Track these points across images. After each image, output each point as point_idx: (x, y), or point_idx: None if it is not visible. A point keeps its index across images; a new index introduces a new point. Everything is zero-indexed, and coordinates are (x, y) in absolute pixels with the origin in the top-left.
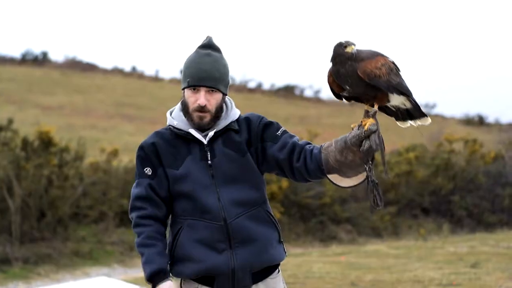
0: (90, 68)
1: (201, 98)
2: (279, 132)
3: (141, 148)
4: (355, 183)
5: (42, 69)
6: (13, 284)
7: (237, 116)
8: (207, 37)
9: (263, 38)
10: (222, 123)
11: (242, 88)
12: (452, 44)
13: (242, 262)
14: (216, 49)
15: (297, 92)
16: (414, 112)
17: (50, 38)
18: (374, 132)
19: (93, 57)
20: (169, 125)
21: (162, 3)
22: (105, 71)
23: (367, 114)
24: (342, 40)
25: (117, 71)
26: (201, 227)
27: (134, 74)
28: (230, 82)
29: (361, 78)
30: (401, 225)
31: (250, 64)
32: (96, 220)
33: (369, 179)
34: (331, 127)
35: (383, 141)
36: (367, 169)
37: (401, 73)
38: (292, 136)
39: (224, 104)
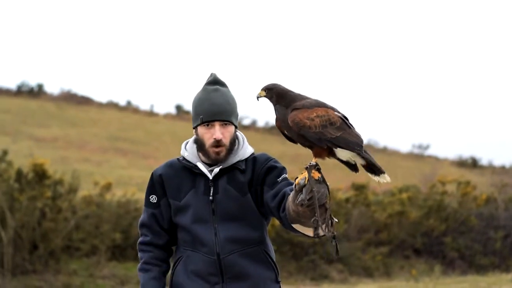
0: (85, 101)
1: (216, 132)
2: (280, 178)
3: (151, 176)
4: (321, 233)
5: (37, 101)
6: None
7: (246, 155)
8: (212, 74)
9: (258, 76)
10: (230, 160)
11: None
12: (446, 86)
13: None
14: (222, 84)
15: None
16: (372, 168)
17: (45, 70)
18: (304, 186)
19: (89, 90)
20: (182, 156)
21: (158, 39)
22: (100, 105)
23: (305, 167)
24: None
25: (112, 105)
26: (197, 259)
27: (129, 108)
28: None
29: (291, 127)
30: (392, 265)
31: (245, 101)
32: (88, 254)
33: (315, 232)
34: (325, 166)
35: (326, 196)
36: (312, 221)
37: (354, 129)
38: (289, 184)
39: (236, 139)
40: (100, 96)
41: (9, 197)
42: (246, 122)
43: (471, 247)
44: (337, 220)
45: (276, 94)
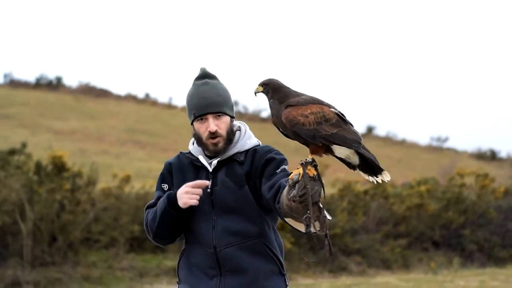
0: (103, 94)
1: (210, 124)
2: (278, 169)
3: (164, 166)
4: (314, 230)
5: (56, 94)
6: None
7: (246, 147)
8: (201, 68)
9: (280, 68)
10: (229, 152)
11: (255, 118)
12: (465, 78)
13: None
14: (211, 76)
15: None
16: (369, 167)
17: (64, 63)
18: (297, 182)
19: (107, 83)
20: (188, 150)
21: (177, 32)
22: (118, 97)
23: (300, 163)
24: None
25: (130, 98)
26: (196, 252)
27: (147, 101)
28: (244, 111)
29: (285, 124)
30: (411, 258)
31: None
32: (106, 246)
33: (307, 230)
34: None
35: (319, 194)
36: (304, 218)
37: (352, 126)
38: (287, 176)
39: (238, 131)
40: (118, 88)
41: (28, 189)
42: (264, 114)
43: (490, 240)
44: (330, 218)
45: (272, 90)
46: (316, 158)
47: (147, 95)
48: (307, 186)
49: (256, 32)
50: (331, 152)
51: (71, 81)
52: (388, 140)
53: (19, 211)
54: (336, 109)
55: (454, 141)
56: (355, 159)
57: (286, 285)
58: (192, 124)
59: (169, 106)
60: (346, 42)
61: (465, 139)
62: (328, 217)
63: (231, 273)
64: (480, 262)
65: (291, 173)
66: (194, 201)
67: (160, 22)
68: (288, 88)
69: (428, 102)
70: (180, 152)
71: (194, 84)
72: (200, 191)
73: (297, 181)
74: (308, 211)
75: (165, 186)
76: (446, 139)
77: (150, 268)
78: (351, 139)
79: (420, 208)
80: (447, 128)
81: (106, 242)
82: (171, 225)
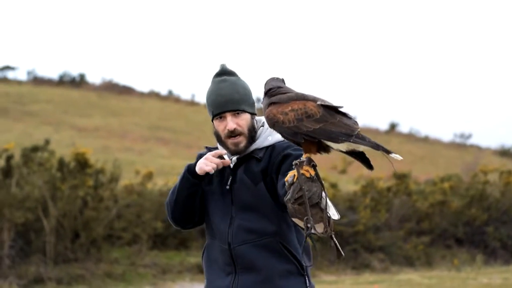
0: (126, 91)
1: (229, 123)
2: (296, 160)
3: (196, 157)
4: (319, 231)
5: (79, 91)
6: None
7: (265, 144)
8: (220, 64)
9: (300, 65)
10: (248, 149)
11: None
12: (488, 75)
13: None
14: (230, 73)
15: None
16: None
17: (87, 60)
18: (292, 184)
19: (130, 79)
20: (216, 146)
21: (200, 29)
22: (141, 94)
23: (293, 164)
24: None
25: (154, 95)
26: (214, 247)
27: (170, 98)
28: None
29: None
30: (434, 255)
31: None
32: (129, 242)
33: (306, 232)
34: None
35: (319, 196)
36: (304, 220)
37: (348, 118)
38: None
39: (262, 127)
40: (141, 85)
41: (51, 186)
42: None
43: None
44: (337, 218)
45: (266, 87)
46: (321, 157)
47: (170, 92)
48: (303, 188)
49: (279, 28)
50: (325, 149)
51: (94, 78)
52: (411, 137)
53: (42, 208)
54: (327, 103)
55: (478, 138)
56: (361, 148)
57: (307, 286)
58: (212, 122)
59: (192, 103)
60: (370, 39)
61: (489, 136)
62: (335, 216)
63: (244, 271)
64: (504, 259)
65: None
66: (209, 168)
67: (183, 19)
68: (281, 86)
69: (451, 99)
70: (206, 147)
71: (212, 81)
72: (218, 160)
73: (293, 183)
74: (308, 213)
75: None
76: (469, 136)
77: (173, 265)
78: (337, 133)
79: (443, 205)
80: (470, 124)
81: (128, 239)
82: (189, 198)
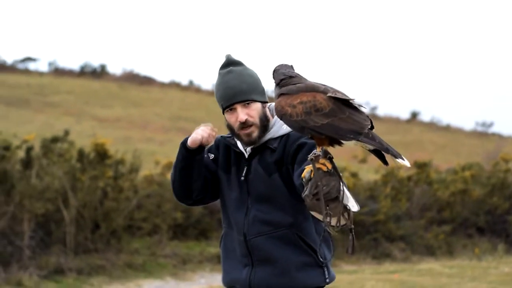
0: (147, 81)
1: (239, 114)
2: (310, 155)
3: (215, 140)
4: (339, 224)
5: (100, 82)
6: None
7: (280, 133)
8: (225, 55)
9: (320, 52)
10: (262, 139)
11: None
12: (511, 62)
13: (259, 281)
14: (236, 63)
15: None
16: (380, 154)
17: (108, 51)
18: (309, 180)
19: (151, 70)
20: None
21: (220, 19)
22: (162, 85)
23: (309, 158)
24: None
25: (174, 85)
26: (231, 237)
27: (191, 87)
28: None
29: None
30: (455, 244)
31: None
32: (149, 233)
33: (325, 227)
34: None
35: (337, 190)
36: (323, 215)
37: (360, 113)
38: None
39: (273, 115)
40: (162, 76)
41: (71, 177)
42: None
43: None
44: (357, 209)
45: (276, 76)
46: (336, 149)
47: (190, 82)
48: (319, 184)
49: (299, 15)
50: (338, 142)
51: (115, 68)
52: (432, 126)
53: (62, 199)
54: (339, 95)
55: (499, 126)
56: (369, 147)
57: (325, 278)
58: (224, 114)
59: (212, 93)
60: (392, 27)
61: (511, 124)
62: (354, 208)
63: (261, 262)
64: None
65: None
66: (198, 136)
67: (203, 10)
68: (293, 74)
69: (473, 87)
70: (221, 136)
71: (219, 73)
72: (208, 130)
73: (310, 179)
74: (327, 207)
75: (211, 156)
76: (491, 124)
77: (193, 255)
78: (345, 130)
79: (464, 193)
80: (492, 113)
81: (149, 229)
82: (184, 171)
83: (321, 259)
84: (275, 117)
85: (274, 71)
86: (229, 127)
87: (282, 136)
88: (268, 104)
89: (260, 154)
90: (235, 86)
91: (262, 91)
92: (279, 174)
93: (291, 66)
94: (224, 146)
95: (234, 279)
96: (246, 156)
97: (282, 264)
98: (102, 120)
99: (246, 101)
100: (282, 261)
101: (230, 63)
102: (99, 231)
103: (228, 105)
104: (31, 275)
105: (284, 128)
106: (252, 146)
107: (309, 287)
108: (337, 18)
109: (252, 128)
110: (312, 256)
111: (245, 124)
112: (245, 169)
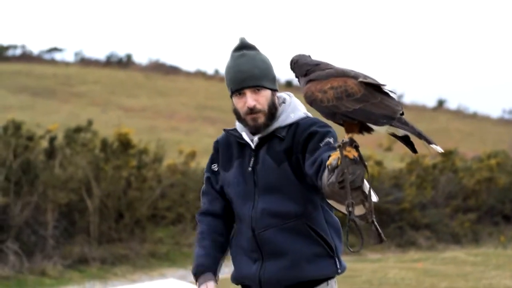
0: (173, 71)
1: (248, 100)
2: (322, 143)
3: (213, 146)
4: (358, 213)
5: (126, 72)
6: (90, 283)
7: (288, 121)
8: (239, 38)
9: (343, 41)
10: (270, 128)
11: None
12: None
13: (269, 276)
14: (250, 47)
15: None
16: (409, 141)
17: (134, 40)
18: (336, 167)
19: (176, 59)
20: (234, 127)
21: (244, 8)
22: (188, 74)
23: (337, 145)
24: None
25: (200, 74)
26: (242, 234)
27: (217, 77)
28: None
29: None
30: (481, 232)
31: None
32: (173, 222)
33: (349, 217)
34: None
35: (362, 179)
36: (346, 204)
37: (390, 99)
38: (332, 149)
39: (283, 103)
40: (188, 65)
41: (94, 166)
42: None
43: None
44: (376, 200)
45: (299, 67)
46: (366, 135)
47: (216, 71)
48: (345, 171)
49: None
50: (367, 129)
51: (141, 58)
52: (459, 113)
53: (85, 188)
54: (369, 80)
55: None
56: (397, 134)
57: (337, 268)
58: (231, 98)
59: None
60: (419, 16)
61: None
62: (374, 198)
63: (271, 257)
64: None
65: (336, 147)
66: None
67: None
68: (316, 61)
69: (501, 74)
70: (224, 129)
71: (231, 56)
72: None
73: (336, 167)
74: (349, 197)
75: (215, 167)
76: None
77: None
78: (378, 115)
79: (490, 181)
80: None
81: (172, 218)
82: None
83: (332, 249)
84: (283, 105)
85: (293, 62)
86: (236, 112)
87: (290, 125)
88: (278, 93)
89: (268, 144)
90: (247, 70)
91: (273, 79)
92: (289, 163)
93: (309, 55)
94: (225, 145)
95: (243, 276)
96: (253, 146)
97: (292, 257)
98: (128, 110)
99: (256, 87)
100: (293, 254)
101: (243, 46)
102: (123, 220)
103: (237, 89)
104: (55, 265)
105: (292, 117)
106: (259, 136)
107: (321, 278)
108: (362, 5)
109: (259, 115)
110: (323, 246)
111: (252, 111)
112: (252, 159)
